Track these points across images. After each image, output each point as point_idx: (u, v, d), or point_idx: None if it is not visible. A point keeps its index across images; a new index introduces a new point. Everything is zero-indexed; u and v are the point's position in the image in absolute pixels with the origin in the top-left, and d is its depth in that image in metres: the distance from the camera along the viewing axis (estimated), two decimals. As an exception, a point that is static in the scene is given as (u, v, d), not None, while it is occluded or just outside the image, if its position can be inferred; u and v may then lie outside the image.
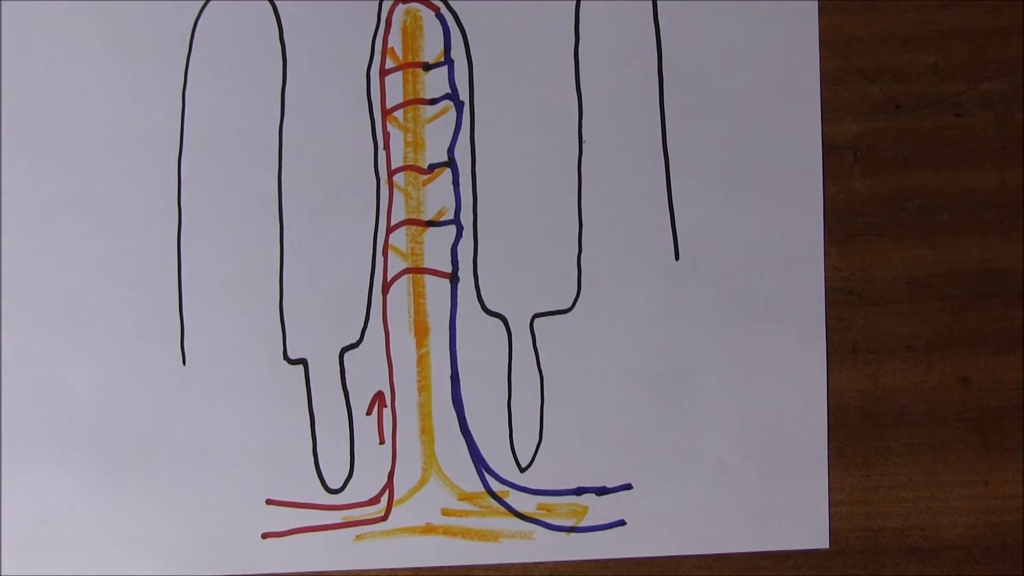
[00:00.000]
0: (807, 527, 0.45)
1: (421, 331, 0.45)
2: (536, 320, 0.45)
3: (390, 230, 0.45)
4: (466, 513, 0.45)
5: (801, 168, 0.45)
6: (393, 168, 0.45)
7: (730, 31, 0.45)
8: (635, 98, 0.45)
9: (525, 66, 0.45)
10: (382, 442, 0.45)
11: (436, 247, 0.45)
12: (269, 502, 0.45)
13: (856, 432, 0.45)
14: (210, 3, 0.45)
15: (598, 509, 0.45)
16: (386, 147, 0.45)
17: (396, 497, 0.45)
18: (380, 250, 0.45)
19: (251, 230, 0.45)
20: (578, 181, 0.45)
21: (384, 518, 0.45)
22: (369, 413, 0.45)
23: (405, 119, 0.45)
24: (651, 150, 0.45)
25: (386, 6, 0.45)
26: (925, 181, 0.45)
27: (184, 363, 0.45)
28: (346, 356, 0.45)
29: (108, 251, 0.45)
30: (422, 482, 0.45)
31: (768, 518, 0.45)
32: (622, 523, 0.45)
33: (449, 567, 0.45)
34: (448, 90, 0.45)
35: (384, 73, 0.45)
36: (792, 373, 0.45)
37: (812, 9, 0.45)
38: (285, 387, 0.45)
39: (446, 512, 0.45)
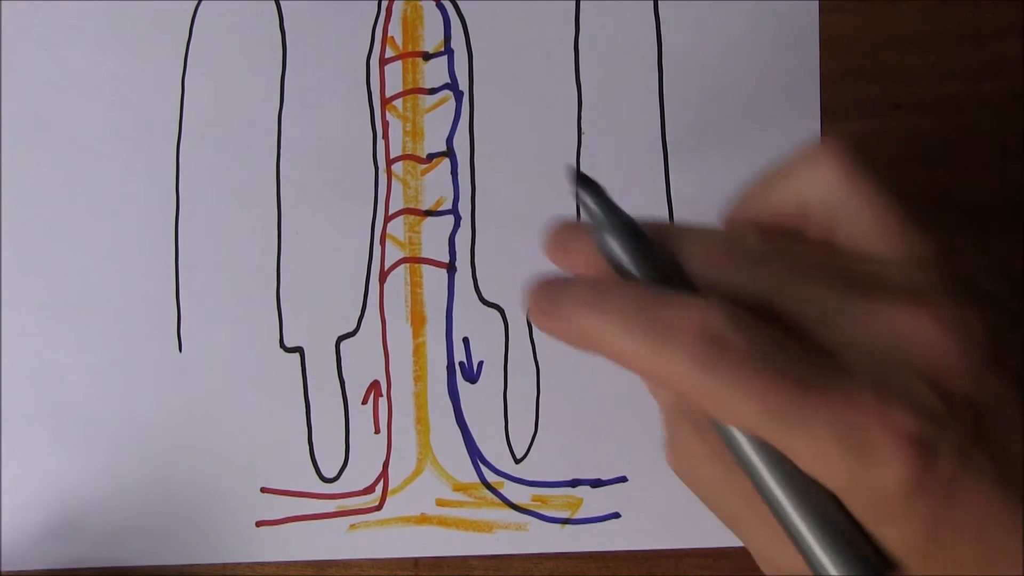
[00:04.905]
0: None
1: (418, 321, 0.45)
2: (533, 311, 0.45)
3: (388, 219, 0.45)
4: (460, 504, 0.46)
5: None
6: (392, 157, 0.45)
7: (730, 31, 0.45)
8: (635, 92, 0.45)
9: (525, 57, 0.45)
10: (377, 431, 0.45)
11: (434, 237, 0.45)
12: (264, 490, 0.45)
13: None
14: (211, -11, 0.45)
15: (593, 501, 0.45)
16: (385, 136, 0.45)
17: (391, 487, 0.46)
18: (378, 239, 0.45)
19: (249, 218, 0.45)
20: (577, 174, 0.45)
21: (378, 508, 0.46)
22: (365, 402, 0.45)
23: (404, 108, 0.45)
24: (650, 145, 0.45)
25: (387, -5, 0.45)
26: (925, 181, 0.45)
27: (180, 350, 0.45)
28: (342, 345, 0.45)
29: (106, 238, 0.45)
30: (417, 472, 0.46)
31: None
32: (617, 515, 0.45)
33: (447, 557, 0.45)
34: (448, 80, 0.45)
35: (384, 62, 0.45)
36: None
37: (812, 9, 0.45)
38: (281, 375, 0.45)
39: (440, 503, 0.46)
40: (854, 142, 0.34)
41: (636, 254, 0.32)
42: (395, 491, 0.46)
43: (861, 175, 0.34)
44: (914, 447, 0.30)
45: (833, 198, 0.34)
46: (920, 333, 0.32)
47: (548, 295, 0.33)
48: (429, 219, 0.45)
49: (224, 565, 0.45)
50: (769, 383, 0.31)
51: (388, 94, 0.45)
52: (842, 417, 0.31)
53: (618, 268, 0.32)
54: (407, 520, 0.46)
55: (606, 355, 0.32)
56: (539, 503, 0.45)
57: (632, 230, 0.32)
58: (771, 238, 0.34)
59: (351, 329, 0.45)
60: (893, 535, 0.32)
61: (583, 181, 0.32)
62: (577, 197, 0.33)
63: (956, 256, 0.34)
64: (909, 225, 0.34)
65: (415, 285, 0.45)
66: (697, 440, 0.34)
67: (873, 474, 0.31)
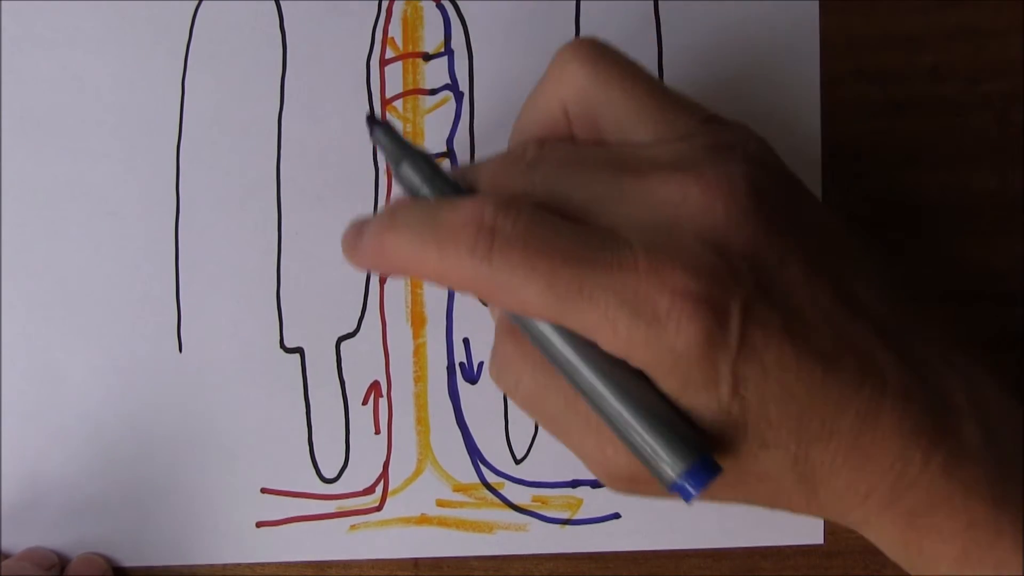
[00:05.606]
0: (803, 522, 0.45)
1: (418, 321, 0.45)
2: (533, 312, 0.45)
3: (388, 220, 0.45)
4: (461, 504, 0.45)
5: (801, 168, 0.44)
6: (392, 158, 0.45)
7: (730, 31, 0.45)
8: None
9: (525, 58, 0.45)
10: (377, 432, 0.45)
11: (434, 238, 0.45)
12: (264, 491, 0.45)
13: (850, 428, 0.45)
14: (211, -11, 0.45)
15: (593, 502, 0.45)
16: (385, 137, 0.45)
17: (391, 487, 0.45)
18: (378, 240, 0.45)
19: (249, 218, 0.45)
20: (577, 174, 0.45)
21: (379, 508, 0.46)
22: (365, 403, 0.45)
23: (405, 109, 0.45)
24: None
25: (387, -4, 0.45)
26: (925, 181, 0.45)
27: (180, 351, 0.45)
28: (343, 345, 0.45)
29: (106, 238, 0.45)
30: (417, 473, 0.45)
31: (763, 512, 0.45)
32: (617, 516, 0.45)
33: (447, 557, 0.45)
34: (448, 81, 0.45)
35: (384, 63, 0.45)
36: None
37: (812, 9, 0.45)
38: (281, 376, 0.45)
39: (441, 503, 0.45)
40: (593, 40, 0.36)
41: (426, 175, 0.35)
42: (395, 492, 0.46)
43: (606, 68, 0.35)
44: (697, 304, 0.31)
45: (587, 94, 0.35)
46: (688, 198, 0.32)
47: (353, 231, 0.35)
48: (429, 220, 0.45)
49: (224, 565, 0.45)
50: (547, 262, 0.32)
51: (388, 95, 0.45)
52: (623, 284, 0.31)
53: (415, 195, 0.35)
54: (407, 521, 0.46)
55: (406, 271, 0.34)
56: (539, 503, 0.45)
57: (423, 157, 0.35)
58: (546, 145, 0.35)
59: (351, 330, 0.45)
60: (703, 404, 0.32)
61: (375, 121, 0.37)
62: (373, 138, 0.36)
63: (715, 127, 0.35)
64: (665, 105, 0.35)
65: (415, 285, 0.45)
66: (516, 349, 0.35)
67: (665, 338, 0.31)
